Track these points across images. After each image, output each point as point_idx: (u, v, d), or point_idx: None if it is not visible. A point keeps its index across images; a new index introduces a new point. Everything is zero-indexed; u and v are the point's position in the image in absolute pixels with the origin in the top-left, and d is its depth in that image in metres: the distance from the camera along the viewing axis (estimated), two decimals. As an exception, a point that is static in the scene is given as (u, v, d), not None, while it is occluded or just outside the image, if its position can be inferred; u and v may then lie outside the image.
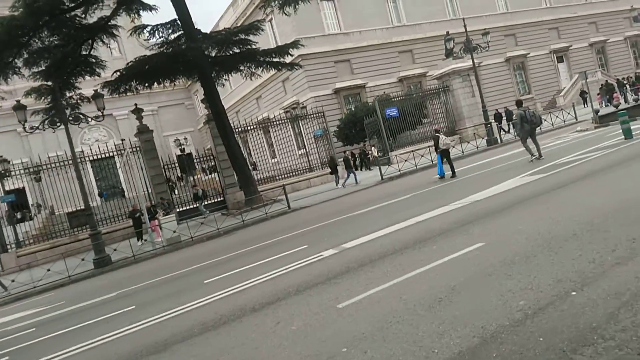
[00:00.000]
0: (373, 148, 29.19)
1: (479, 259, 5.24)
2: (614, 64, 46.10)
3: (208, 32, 28.63)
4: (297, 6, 23.11)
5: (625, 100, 27.39)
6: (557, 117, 25.11)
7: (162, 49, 21.24)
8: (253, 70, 23.34)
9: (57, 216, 27.80)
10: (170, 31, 21.14)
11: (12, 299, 13.45)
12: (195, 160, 26.52)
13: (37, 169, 23.56)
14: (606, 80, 36.72)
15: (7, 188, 33.76)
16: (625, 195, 6.34)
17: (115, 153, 23.69)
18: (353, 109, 32.88)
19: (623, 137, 12.41)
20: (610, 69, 45.53)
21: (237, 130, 26.70)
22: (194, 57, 19.80)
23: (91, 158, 23.11)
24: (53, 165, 22.65)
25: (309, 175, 26.60)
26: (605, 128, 19.75)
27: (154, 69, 20.21)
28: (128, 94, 23.17)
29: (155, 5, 22.41)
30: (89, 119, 16.51)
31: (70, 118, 15.62)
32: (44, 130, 15.54)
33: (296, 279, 6.57)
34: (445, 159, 14.93)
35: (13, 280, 13.88)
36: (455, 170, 14.68)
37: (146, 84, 21.58)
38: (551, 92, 42.40)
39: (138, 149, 23.00)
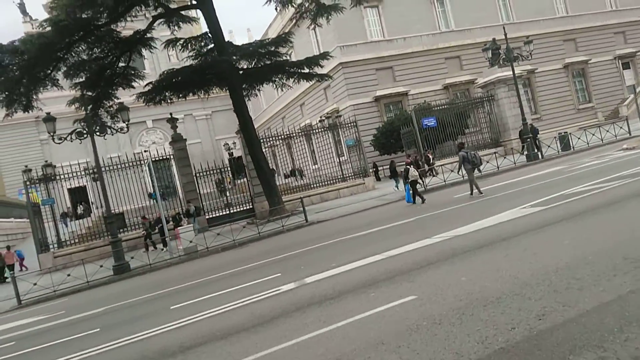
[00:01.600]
0: (429, 156, 28.04)
1: (392, 319, 4.88)
2: (689, 71, 42.09)
3: (259, 39, 29.41)
4: (329, 17, 23.06)
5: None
6: (607, 131, 23.18)
7: (197, 61, 21.92)
8: (284, 81, 23.44)
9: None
10: (202, 44, 21.76)
11: (33, 301, 14.32)
12: (245, 165, 26.97)
13: (93, 170, 25.04)
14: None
15: (70, 186, 35.85)
16: (585, 249, 5.68)
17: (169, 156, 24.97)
18: (393, 117, 32.26)
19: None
20: (685, 76, 41.60)
21: (280, 137, 27.23)
22: (222, 70, 20.23)
23: (151, 159, 24.00)
24: (107, 167, 23.80)
25: (339, 186, 26.38)
26: (656, 147, 18.03)
27: (184, 81, 20.85)
28: (180, 99, 23.99)
29: (195, 17, 23.19)
30: (114, 131, 17.28)
31: (96, 129, 16.42)
32: (72, 141, 16.43)
33: (231, 320, 6.49)
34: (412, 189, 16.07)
35: (35, 284, 14.76)
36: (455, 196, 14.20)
37: (180, 95, 22.31)
38: (615, 101, 39.40)
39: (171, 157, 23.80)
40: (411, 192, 15.96)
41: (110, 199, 25.44)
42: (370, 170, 28.88)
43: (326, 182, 27.58)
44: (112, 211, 29.81)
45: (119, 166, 23.89)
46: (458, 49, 36.55)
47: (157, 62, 49.06)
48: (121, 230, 23.06)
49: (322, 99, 38.76)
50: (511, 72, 28.93)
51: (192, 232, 17.11)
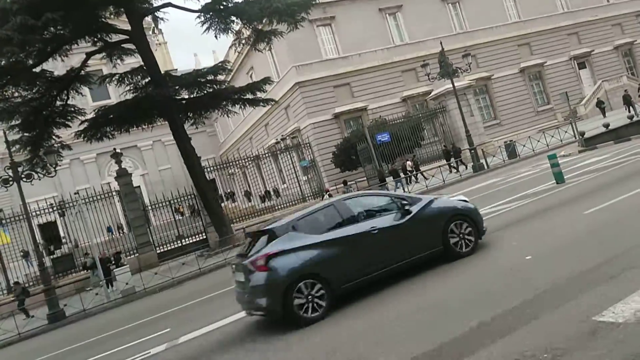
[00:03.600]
0: (408, 163, 27.88)
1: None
2: (645, 67, 42.80)
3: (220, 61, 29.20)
4: (269, 42, 23.08)
5: (636, 114, 25.00)
6: (552, 136, 23.30)
7: (136, 94, 21.68)
8: (229, 108, 23.31)
9: (81, 249, 28.63)
10: (140, 77, 21.54)
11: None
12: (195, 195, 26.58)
13: (61, 204, 25.12)
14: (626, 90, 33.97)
15: (40, 222, 35.01)
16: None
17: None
18: (347, 134, 32.25)
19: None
20: (641, 73, 42.31)
21: (226, 165, 27.15)
22: (159, 102, 20.03)
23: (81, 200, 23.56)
24: (70, 203, 23.38)
25: (294, 208, 26.01)
26: (592, 151, 18.11)
27: (123, 115, 20.60)
28: (123, 133, 23.67)
29: (134, 50, 22.80)
30: (41, 175, 16.93)
31: (23, 176, 16.05)
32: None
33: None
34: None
35: (-41, 341, 14.25)
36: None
37: (121, 130, 22.05)
38: (573, 102, 39.68)
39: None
40: None
41: (76, 233, 25.20)
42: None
43: (288, 204, 27.53)
44: (82, 245, 29.28)
45: (84, 201, 23.39)
46: (413, 61, 36.61)
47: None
48: (68, 271, 22.59)
49: (284, 118, 38.68)
50: (462, 83, 29.31)
51: (128, 273, 16.76)
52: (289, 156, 29.42)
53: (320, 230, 6.42)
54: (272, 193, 38.41)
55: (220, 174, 35.27)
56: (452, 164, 24.78)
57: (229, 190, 44.91)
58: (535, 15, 40.17)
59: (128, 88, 21.41)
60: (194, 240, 24.21)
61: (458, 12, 38.81)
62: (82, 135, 21.17)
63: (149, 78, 21.26)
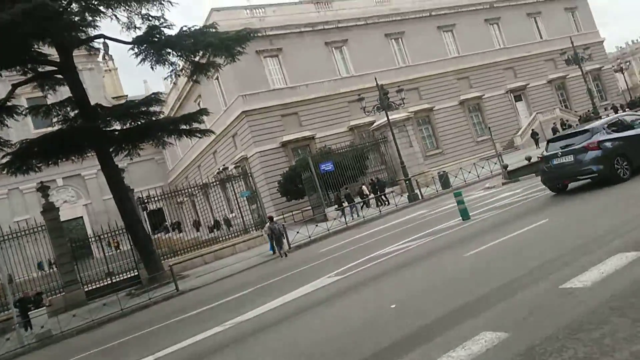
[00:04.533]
0: (364, 187, 27.90)
1: None
2: (576, 100, 45.42)
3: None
4: (207, 74, 23.03)
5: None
6: (482, 167, 24.15)
7: (64, 126, 21.03)
8: (165, 139, 22.90)
9: (15, 285, 26.92)
10: (68, 108, 20.94)
11: None
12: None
13: None
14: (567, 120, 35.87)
15: None
16: (304, 343, 5.43)
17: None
18: (295, 163, 32.37)
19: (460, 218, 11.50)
20: (573, 105, 44.87)
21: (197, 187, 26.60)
22: (87, 135, 19.47)
23: None
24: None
25: (234, 241, 25.77)
26: (514, 184, 18.82)
27: (47, 148, 19.85)
28: (51, 165, 22.69)
29: (61, 80, 21.82)
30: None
31: None
32: None
33: None
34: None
35: None
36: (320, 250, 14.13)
37: (50, 162, 21.21)
38: (510, 132, 41.64)
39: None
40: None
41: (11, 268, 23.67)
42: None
43: (231, 235, 27.16)
44: (16, 279, 27.59)
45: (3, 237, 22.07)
46: (359, 93, 37.44)
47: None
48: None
49: (232, 146, 38.54)
50: (400, 115, 30.17)
51: (45, 315, 15.85)
52: (232, 186, 29.14)
53: (616, 131, 10.64)
54: (221, 222, 37.66)
55: (168, 203, 34.30)
56: (378, 197, 25.46)
57: (175, 220, 43.83)
58: (473, 50, 42.18)
59: (56, 120, 20.75)
60: (127, 276, 23.27)
61: (401, 47, 40.24)
62: (6, 169, 20.21)
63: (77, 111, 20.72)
